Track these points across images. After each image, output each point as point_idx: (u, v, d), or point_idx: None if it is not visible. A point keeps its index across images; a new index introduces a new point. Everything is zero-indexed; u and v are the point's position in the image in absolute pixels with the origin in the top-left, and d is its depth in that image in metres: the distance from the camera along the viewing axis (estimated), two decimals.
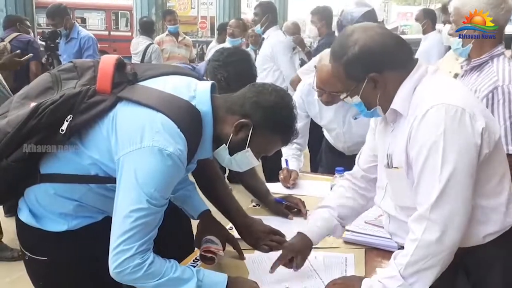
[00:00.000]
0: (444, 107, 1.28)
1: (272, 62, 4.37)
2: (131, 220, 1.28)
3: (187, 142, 1.32)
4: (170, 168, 1.30)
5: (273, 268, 1.60)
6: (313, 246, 1.76)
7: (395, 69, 1.38)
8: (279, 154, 2.53)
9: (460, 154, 1.27)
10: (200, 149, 1.42)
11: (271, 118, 1.40)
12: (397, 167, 1.43)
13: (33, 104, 1.36)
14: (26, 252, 1.54)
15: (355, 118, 2.50)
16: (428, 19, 5.18)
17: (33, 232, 1.47)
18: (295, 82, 3.52)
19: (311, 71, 2.70)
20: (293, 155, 2.59)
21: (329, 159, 2.85)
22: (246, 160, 1.45)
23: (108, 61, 1.42)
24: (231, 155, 1.44)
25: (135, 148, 1.29)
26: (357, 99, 1.44)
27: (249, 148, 1.42)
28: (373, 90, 1.40)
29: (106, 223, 1.48)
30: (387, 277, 1.37)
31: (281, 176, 2.48)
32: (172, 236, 1.65)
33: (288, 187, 2.42)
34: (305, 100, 2.61)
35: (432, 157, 1.29)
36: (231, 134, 1.41)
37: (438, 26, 5.59)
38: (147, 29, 6.04)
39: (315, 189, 2.40)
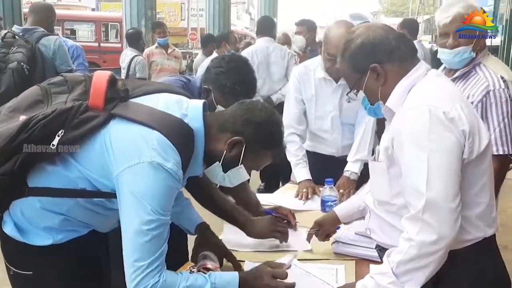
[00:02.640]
0: (429, 108, 1.31)
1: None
2: (143, 234, 1.28)
3: (181, 159, 1.33)
4: (169, 182, 1.31)
5: (308, 239, 1.87)
6: (304, 258, 1.79)
7: (395, 62, 1.42)
8: None
9: (445, 154, 1.29)
10: (192, 166, 1.43)
11: (263, 135, 1.44)
12: (379, 161, 1.46)
13: (22, 117, 1.35)
14: (10, 267, 1.51)
15: (349, 101, 2.52)
16: (404, 29, 5.09)
17: (17, 246, 1.45)
18: None
19: None
20: (298, 161, 2.58)
21: (313, 170, 2.75)
22: (239, 176, 1.48)
23: (101, 77, 1.42)
24: (224, 172, 1.46)
25: (134, 163, 1.29)
26: (361, 93, 1.48)
27: (242, 165, 1.45)
28: (375, 82, 1.44)
29: (91, 237, 1.49)
30: (379, 273, 1.38)
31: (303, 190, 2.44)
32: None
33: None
34: (301, 82, 2.60)
35: (417, 157, 1.30)
36: (224, 151, 1.43)
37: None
38: (134, 40, 5.94)
39: (305, 203, 2.39)
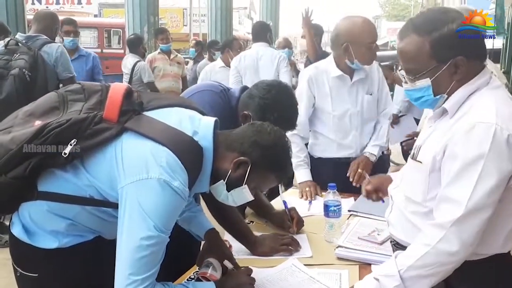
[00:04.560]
0: (495, 128, 1.25)
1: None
2: (142, 249, 1.28)
3: (188, 177, 1.35)
4: (175, 201, 1.32)
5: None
6: (307, 263, 1.78)
7: (477, 60, 1.33)
8: None
9: (495, 177, 1.25)
10: (198, 184, 1.44)
11: (269, 158, 1.45)
12: (420, 161, 1.41)
13: (37, 123, 1.37)
14: (17, 268, 1.53)
15: (371, 94, 2.57)
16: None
17: (24, 247, 1.47)
18: None
19: None
20: (299, 163, 2.60)
21: (324, 176, 2.70)
22: (242, 195, 1.49)
23: (118, 90, 1.44)
24: (228, 191, 1.48)
25: (143, 178, 1.30)
26: (425, 82, 1.35)
27: (246, 185, 1.46)
28: (451, 75, 1.33)
29: (97, 243, 1.50)
30: (384, 275, 1.36)
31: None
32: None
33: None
34: (314, 84, 2.59)
35: (468, 172, 1.27)
36: (230, 171, 1.44)
37: None
38: (135, 46, 5.97)
39: (310, 208, 2.39)
